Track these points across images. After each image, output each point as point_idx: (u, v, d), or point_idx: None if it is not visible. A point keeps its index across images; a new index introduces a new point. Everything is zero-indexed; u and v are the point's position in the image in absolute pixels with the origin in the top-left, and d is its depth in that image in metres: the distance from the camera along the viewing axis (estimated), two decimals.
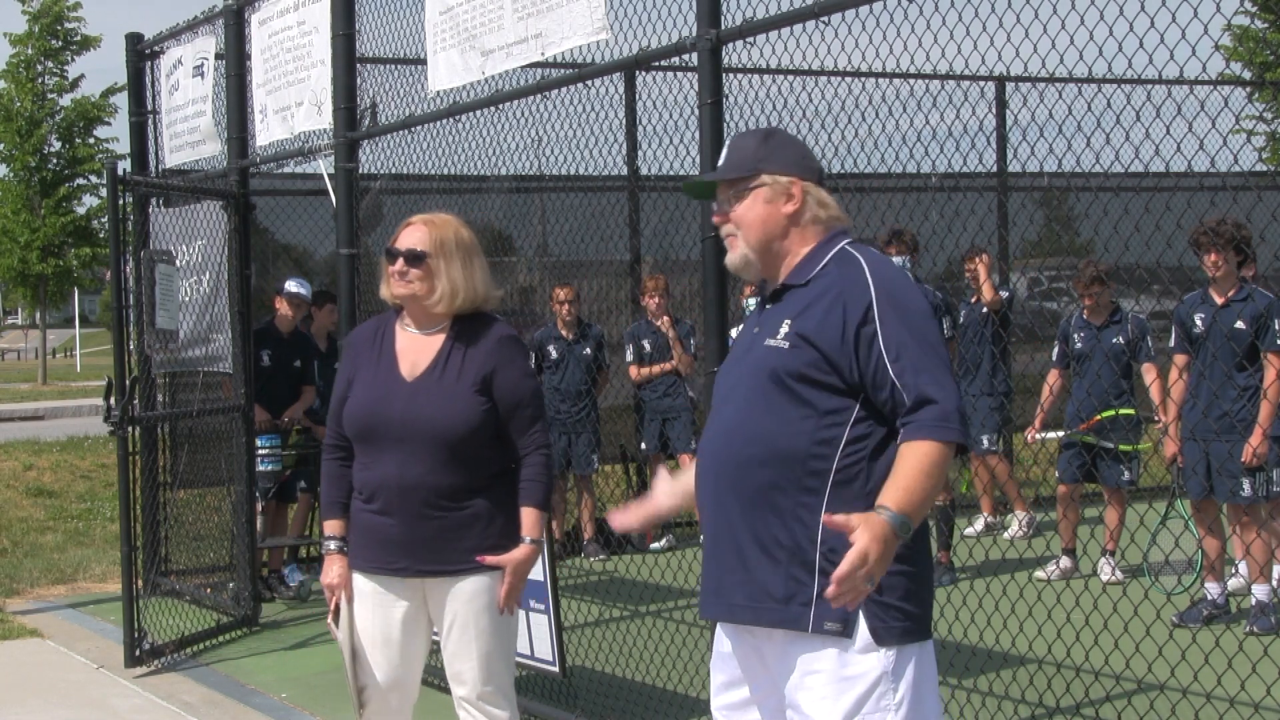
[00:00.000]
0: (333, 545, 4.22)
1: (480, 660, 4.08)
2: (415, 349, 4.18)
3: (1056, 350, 8.62)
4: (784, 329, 3.05)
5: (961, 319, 9.60)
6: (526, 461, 4.15)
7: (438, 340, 4.17)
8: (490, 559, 4.06)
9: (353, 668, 4.16)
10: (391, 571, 4.09)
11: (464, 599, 4.06)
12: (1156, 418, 8.13)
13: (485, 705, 4.11)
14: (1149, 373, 8.29)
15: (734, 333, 9.19)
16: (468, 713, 4.14)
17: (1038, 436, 8.64)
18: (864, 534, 2.76)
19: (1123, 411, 8.21)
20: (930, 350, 2.97)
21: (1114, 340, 8.28)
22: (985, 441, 9.36)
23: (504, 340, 4.17)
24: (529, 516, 4.14)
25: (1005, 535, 9.61)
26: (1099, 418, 8.19)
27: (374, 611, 4.14)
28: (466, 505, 4.06)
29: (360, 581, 4.16)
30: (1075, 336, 8.43)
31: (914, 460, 2.90)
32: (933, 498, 2.93)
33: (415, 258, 4.12)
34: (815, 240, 3.14)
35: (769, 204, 3.13)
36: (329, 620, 4.25)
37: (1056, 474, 8.68)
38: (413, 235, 4.16)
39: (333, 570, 4.20)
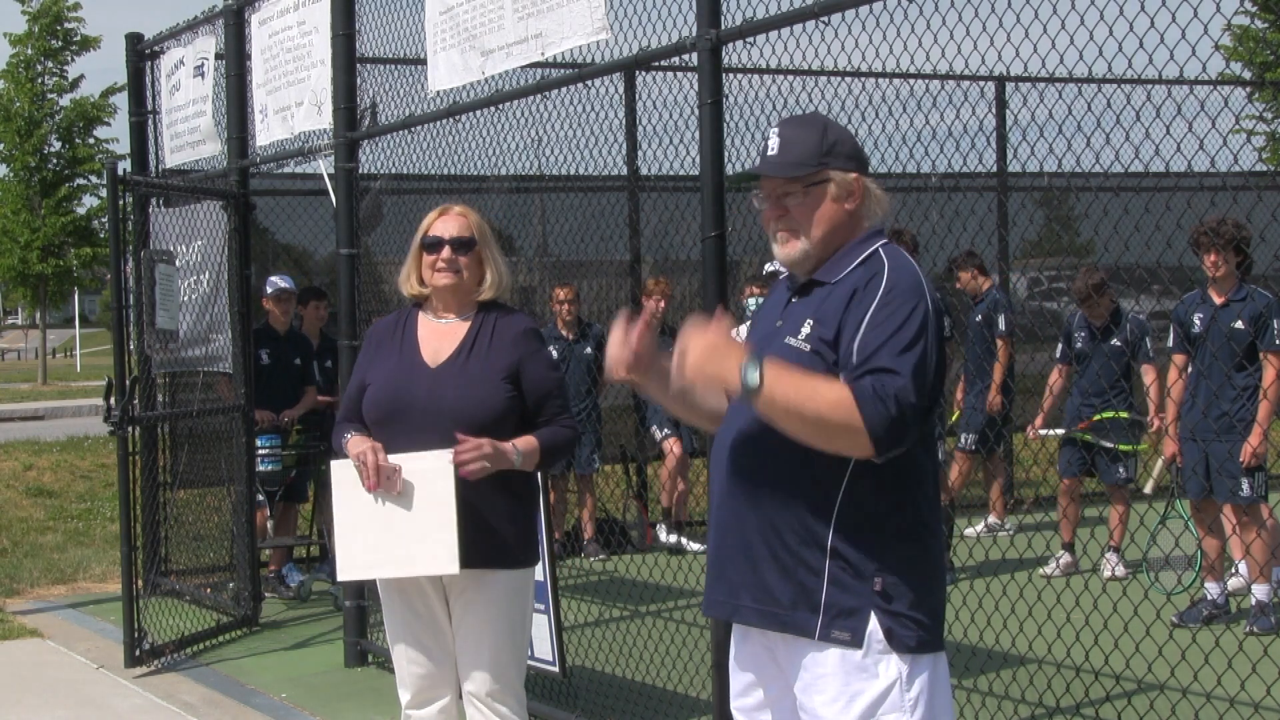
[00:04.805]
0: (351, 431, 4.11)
1: (490, 658, 4.06)
2: (438, 336, 4.14)
3: (1060, 348, 8.65)
4: (805, 329, 3.00)
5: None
6: (554, 422, 4.12)
7: (461, 328, 4.14)
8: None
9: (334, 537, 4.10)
10: None
11: (482, 597, 4.04)
12: (1149, 420, 8.17)
13: (493, 702, 4.10)
14: (1148, 374, 8.33)
15: (735, 333, 9.20)
16: (475, 708, 4.13)
17: (1040, 434, 8.67)
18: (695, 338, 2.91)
19: (1120, 415, 8.24)
20: (908, 344, 2.85)
21: (1113, 342, 8.31)
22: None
23: (529, 332, 4.17)
24: (527, 440, 4.03)
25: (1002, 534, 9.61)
26: (1096, 418, 8.22)
27: (400, 604, 4.12)
28: (488, 499, 4.00)
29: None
30: (1076, 336, 8.46)
31: (824, 384, 2.83)
32: (797, 415, 2.81)
33: (464, 245, 4.08)
34: (853, 237, 3.10)
35: (835, 201, 3.06)
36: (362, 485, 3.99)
37: (1058, 469, 8.73)
38: (453, 223, 4.10)
39: (360, 443, 4.00)
